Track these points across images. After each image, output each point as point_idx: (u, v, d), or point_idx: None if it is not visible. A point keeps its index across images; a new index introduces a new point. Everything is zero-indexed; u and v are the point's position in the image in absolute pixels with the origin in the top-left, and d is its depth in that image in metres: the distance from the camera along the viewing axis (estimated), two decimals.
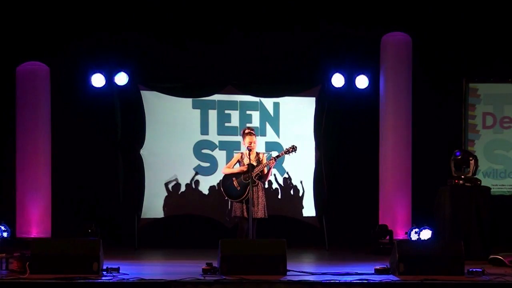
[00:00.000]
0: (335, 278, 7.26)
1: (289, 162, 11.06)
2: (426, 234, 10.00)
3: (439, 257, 7.58)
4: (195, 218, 11.13)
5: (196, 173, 11.10)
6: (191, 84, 11.27)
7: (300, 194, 11.28)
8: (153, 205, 11.07)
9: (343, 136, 11.46)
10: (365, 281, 7.13)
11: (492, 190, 10.10)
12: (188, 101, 11.21)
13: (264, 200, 8.98)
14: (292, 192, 11.28)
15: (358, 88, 11.06)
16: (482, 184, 9.93)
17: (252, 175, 8.70)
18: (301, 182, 11.28)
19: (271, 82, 11.36)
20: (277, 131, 11.29)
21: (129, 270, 7.63)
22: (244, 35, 11.21)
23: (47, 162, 10.72)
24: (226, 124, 11.23)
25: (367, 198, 11.03)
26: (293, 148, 8.99)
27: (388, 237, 10.33)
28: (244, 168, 8.91)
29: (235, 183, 8.99)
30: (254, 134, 8.98)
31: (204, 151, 11.18)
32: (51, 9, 10.85)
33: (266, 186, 10.10)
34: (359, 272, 7.62)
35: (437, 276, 7.28)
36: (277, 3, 11.17)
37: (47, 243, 7.84)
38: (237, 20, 11.18)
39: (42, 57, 10.70)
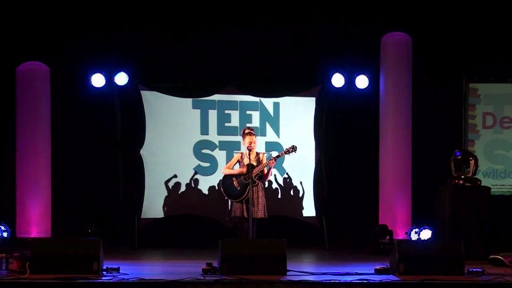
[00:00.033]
0: (335, 278, 7.26)
1: (289, 162, 11.06)
2: (426, 234, 10.00)
3: (439, 257, 7.58)
4: (195, 218, 11.13)
5: (196, 173, 11.10)
6: (191, 84, 11.27)
7: (300, 195, 11.28)
8: (153, 205, 11.07)
9: (343, 136, 11.46)
10: (365, 281, 7.13)
11: (492, 190, 10.10)
12: (188, 101, 11.21)
13: (264, 200, 8.98)
14: (292, 192, 11.28)
15: (358, 88, 11.06)
16: (482, 184, 9.93)
17: (252, 175, 8.70)
18: (300, 182, 11.28)
19: (271, 82, 11.36)
20: (277, 131, 11.29)
21: (129, 270, 7.63)
22: (244, 34, 11.21)
23: (47, 162, 10.72)
24: (226, 124, 11.23)
25: (367, 198, 11.03)
26: (293, 148, 8.99)
27: (388, 237, 10.33)
28: (244, 170, 8.91)
29: (235, 183, 8.99)
30: (254, 134, 8.99)
31: (204, 151, 11.18)
32: (51, 9, 10.85)
33: (266, 185, 10.11)
34: (359, 272, 7.62)
35: (437, 276, 7.28)
36: (277, 3, 11.17)
37: (47, 243, 7.85)
38: (237, 20, 11.18)
39: (42, 57, 10.70)
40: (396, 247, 7.62)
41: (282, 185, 11.23)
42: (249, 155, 8.93)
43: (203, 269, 7.53)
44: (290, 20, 11.21)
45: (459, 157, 9.88)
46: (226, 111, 11.24)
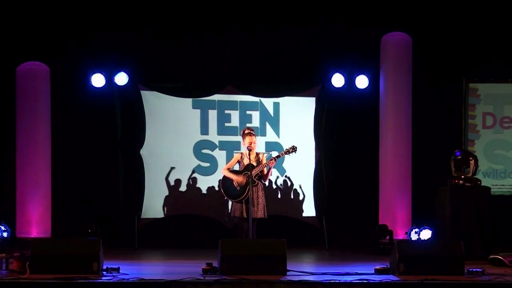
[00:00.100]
0: (335, 278, 7.26)
1: (289, 162, 11.06)
2: (426, 234, 10.00)
3: (439, 257, 7.58)
4: (195, 218, 11.13)
5: (193, 172, 11.09)
6: (191, 84, 11.27)
7: (301, 198, 11.27)
8: (153, 205, 11.07)
9: (343, 136, 11.46)
10: (365, 281, 7.13)
11: (492, 190, 10.10)
12: (188, 101, 11.21)
13: (264, 200, 8.99)
14: (292, 195, 11.27)
15: (358, 88, 11.06)
16: (482, 184, 9.93)
17: (252, 175, 8.70)
18: (300, 186, 11.27)
19: (271, 82, 11.36)
20: (277, 131, 11.29)
21: (129, 270, 7.63)
22: (244, 35, 11.21)
23: (47, 162, 10.72)
24: (226, 124, 11.23)
25: (367, 198, 11.03)
26: (293, 149, 9.00)
27: (388, 237, 10.33)
28: (240, 179, 8.88)
29: (235, 183, 8.99)
30: (254, 135, 8.99)
31: (204, 151, 11.18)
32: (51, 10, 10.85)
33: (267, 184, 10.11)
34: (359, 272, 7.62)
35: (437, 276, 7.28)
36: (277, 3, 11.17)
37: (47, 243, 7.86)
38: (237, 20, 11.18)
39: (42, 57, 10.70)
40: (396, 247, 7.62)
41: (282, 188, 11.23)
42: (249, 155, 8.93)
43: (203, 269, 7.53)
44: (290, 20, 11.21)
45: (459, 157, 9.88)
46: (226, 111, 11.24)
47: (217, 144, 11.19)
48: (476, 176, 9.91)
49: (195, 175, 11.12)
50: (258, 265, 7.47)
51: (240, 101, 11.26)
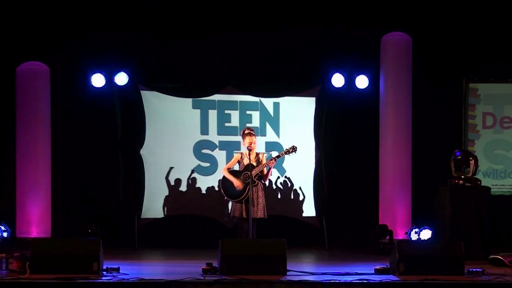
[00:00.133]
0: (335, 278, 7.26)
1: (289, 162, 11.06)
2: (426, 234, 10.00)
3: (439, 257, 7.58)
4: (195, 218, 11.13)
5: (192, 172, 11.10)
6: (191, 84, 11.27)
7: (301, 198, 11.28)
8: (153, 205, 11.07)
9: (343, 136, 11.46)
10: (365, 281, 7.13)
11: (492, 190, 10.10)
12: (188, 101, 11.21)
13: (264, 200, 8.98)
14: (292, 195, 11.27)
15: (358, 88, 11.06)
16: (482, 184, 9.93)
17: (252, 175, 8.70)
18: (300, 188, 11.27)
19: (271, 82, 11.36)
20: (277, 131, 11.29)
21: (129, 270, 7.63)
22: (244, 35, 11.20)
23: (47, 162, 10.72)
24: (226, 124, 11.23)
25: (367, 198, 11.03)
26: (293, 149, 8.99)
27: (388, 237, 10.33)
28: (239, 183, 8.88)
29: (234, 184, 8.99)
30: (254, 135, 8.99)
31: (204, 151, 11.18)
32: (51, 9, 10.85)
33: (267, 184, 10.11)
34: (359, 272, 7.62)
35: (437, 276, 7.28)
36: (277, 3, 11.17)
37: (47, 243, 7.85)
38: (237, 20, 11.17)
39: (42, 57, 10.70)
40: (396, 247, 7.62)
41: (282, 188, 11.23)
42: (249, 155, 8.93)
43: (203, 269, 7.53)
44: (290, 20, 11.20)
45: (459, 157, 9.88)
46: (226, 111, 11.24)
47: (217, 144, 11.19)
48: (476, 176, 9.90)
49: (194, 175, 11.12)
50: (258, 265, 7.47)
51: (240, 101, 11.26)
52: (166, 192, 11.08)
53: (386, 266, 7.72)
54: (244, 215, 8.84)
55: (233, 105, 11.24)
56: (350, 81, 11.02)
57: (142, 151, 11.03)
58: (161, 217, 11.10)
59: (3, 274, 7.35)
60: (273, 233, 9.28)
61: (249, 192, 8.67)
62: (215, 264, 7.61)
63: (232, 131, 11.12)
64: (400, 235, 10.39)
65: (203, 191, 11.15)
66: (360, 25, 11.08)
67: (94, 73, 10.72)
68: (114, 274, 7.39)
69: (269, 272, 7.42)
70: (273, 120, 11.30)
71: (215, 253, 7.73)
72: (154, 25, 11.09)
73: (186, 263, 8.72)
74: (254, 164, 8.86)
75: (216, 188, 10.96)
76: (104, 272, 7.43)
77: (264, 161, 8.95)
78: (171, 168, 11.06)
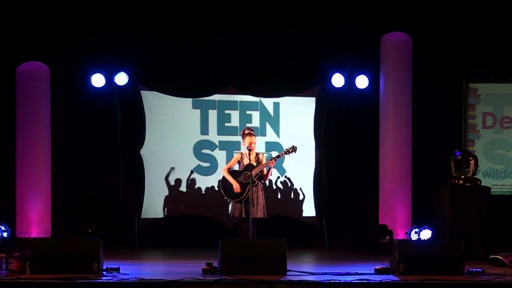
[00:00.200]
0: (335, 278, 7.26)
1: (289, 162, 11.06)
2: (426, 234, 10.01)
3: (439, 257, 7.58)
4: (195, 218, 11.13)
5: (192, 172, 11.10)
6: (191, 84, 11.28)
7: (301, 198, 11.28)
8: (153, 205, 11.07)
9: (343, 136, 11.46)
10: (365, 281, 7.13)
11: (492, 190, 10.10)
12: (188, 101, 11.21)
13: (264, 200, 8.97)
14: (292, 195, 11.27)
15: (358, 88, 11.06)
16: (482, 184, 9.93)
17: (252, 175, 8.70)
18: (300, 188, 11.27)
19: (271, 82, 11.36)
20: (277, 131, 11.29)
21: (129, 270, 7.63)
22: (244, 35, 11.21)
23: (47, 162, 10.72)
24: (226, 124, 11.23)
25: (367, 198, 11.02)
26: (293, 149, 8.99)
27: (388, 237, 10.33)
28: (238, 186, 8.87)
29: (234, 186, 8.98)
30: (254, 135, 8.98)
31: (204, 151, 11.18)
32: (51, 9, 10.85)
33: (267, 184, 10.11)
34: (359, 272, 7.62)
35: (437, 276, 7.28)
36: (277, 3, 11.17)
37: (47, 243, 7.85)
38: (237, 20, 11.18)
39: (42, 57, 10.70)
40: (396, 247, 7.62)
41: (282, 188, 11.23)
42: (249, 155, 8.93)
43: (203, 269, 7.53)
44: (290, 20, 11.20)
45: (459, 157, 9.88)
46: (226, 111, 11.24)
47: (217, 144, 11.19)
48: (476, 176, 9.90)
49: (194, 175, 11.12)
50: (258, 265, 7.47)
51: (240, 101, 11.26)
52: (166, 192, 11.09)
53: (386, 266, 7.72)
54: (244, 215, 8.84)
55: (233, 105, 11.24)
56: (350, 81, 11.02)
57: (142, 151, 11.03)
58: (161, 217, 11.10)
59: (3, 274, 7.35)
60: (273, 233, 9.28)
61: (249, 192, 8.67)
62: (215, 264, 7.60)
63: (232, 131, 11.13)
64: (400, 235, 10.39)
65: (203, 191, 11.15)
66: (360, 25, 11.08)
67: (94, 73, 10.72)
68: (114, 274, 7.39)
69: (269, 272, 7.42)
70: (273, 120, 11.30)
71: (215, 253, 7.73)
72: (154, 25, 11.10)
73: (186, 263, 8.72)
74: (254, 164, 8.86)
75: (216, 188, 10.96)
76: (104, 272, 7.43)
77: (264, 161, 8.95)
78: (171, 168, 11.05)
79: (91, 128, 11.09)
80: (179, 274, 7.29)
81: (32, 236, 10.28)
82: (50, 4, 10.85)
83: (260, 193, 8.93)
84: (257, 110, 11.28)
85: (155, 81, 11.16)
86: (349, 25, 11.12)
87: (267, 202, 9.05)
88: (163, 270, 8.38)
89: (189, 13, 11.16)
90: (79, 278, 7.03)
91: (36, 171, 10.59)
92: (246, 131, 9.00)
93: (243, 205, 8.87)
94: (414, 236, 10.06)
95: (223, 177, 9.15)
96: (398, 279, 7.36)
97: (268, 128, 11.27)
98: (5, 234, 9.97)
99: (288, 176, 11.26)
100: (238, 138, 9.97)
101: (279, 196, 11.22)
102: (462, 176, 9.77)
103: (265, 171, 8.97)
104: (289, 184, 11.25)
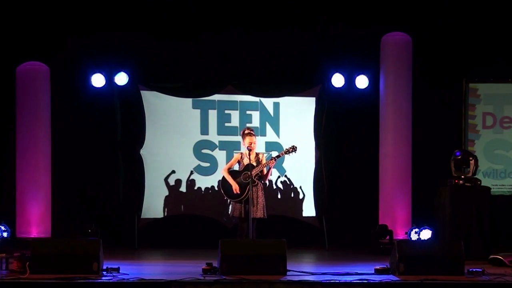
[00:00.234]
0: (335, 278, 7.26)
1: (289, 162, 11.06)
2: (426, 234, 10.00)
3: (439, 257, 7.58)
4: (195, 218, 11.13)
5: (192, 172, 11.10)
6: (191, 84, 11.28)
7: (301, 197, 11.28)
8: (153, 205, 11.07)
9: (343, 136, 11.46)
10: (365, 281, 7.13)
11: (492, 190, 10.10)
12: (188, 101, 11.21)
13: (264, 200, 8.97)
14: (292, 195, 11.27)
15: (358, 88, 11.06)
16: (482, 184, 9.93)
17: (252, 175, 8.70)
18: (300, 187, 11.27)
19: (271, 82, 11.36)
20: (277, 131, 11.29)
21: (129, 270, 7.63)
22: (244, 35, 11.20)
23: (47, 162, 10.72)
24: (226, 124, 11.23)
25: (367, 198, 11.03)
26: (293, 149, 8.99)
27: (388, 237, 10.33)
28: (237, 187, 8.86)
29: (233, 186, 8.98)
30: (254, 135, 8.98)
31: (204, 151, 11.18)
32: (51, 9, 10.85)
33: (267, 184, 10.10)
34: (359, 272, 7.62)
35: (437, 276, 7.28)
36: (277, 3, 11.17)
37: (47, 243, 7.85)
38: (237, 20, 11.17)
39: (42, 57, 10.70)
40: (396, 247, 7.62)
41: (282, 188, 11.23)
42: (249, 155, 8.92)
43: (203, 269, 7.53)
44: (290, 20, 11.21)
45: (459, 157, 9.88)
46: (226, 111, 11.25)
47: (217, 144, 11.19)
48: (476, 176, 9.91)
49: (193, 176, 11.12)
50: (258, 265, 7.47)
51: (240, 101, 11.26)
52: (166, 192, 11.09)
53: (386, 266, 7.72)
54: (244, 215, 8.83)
55: (233, 105, 11.25)
56: (350, 81, 11.03)
57: (142, 151, 11.03)
58: (161, 217, 11.10)
59: (3, 274, 7.35)
60: (273, 233, 9.28)
61: (249, 192, 8.67)
62: (215, 264, 7.60)
63: (232, 131, 11.13)
64: (400, 235, 10.39)
65: (203, 191, 11.15)
66: (360, 25, 11.08)
67: (94, 73, 10.73)
68: (114, 274, 7.39)
69: (269, 272, 7.42)
70: (273, 120, 11.30)
71: (215, 253, 7.73)
72: (154, 25, 11.09)
73: (186, 263, 8.72)
74: (254, 164, 8.85)
75: (216, 188, 10.96)
76: (104, 272, 7.43)
77: (264, 161, 8.95)
78: (172, 171, 11.05)
79: (91, 128, 11.09)
80: (179, 274, 7.29)
81: (32, 236, 10.28)
82: (50, 4, 10.85)
83: (260, 193, 8.93)
84: (257, 110, 11.28)
85: (155, 81, 11.16)
86: (349, 25, 11.12)
87: (267, 202, 9.05)
88: (163, 270, 8.38)
89: (189, 13, 11.16)
90: (79, 278, 7.03)
91: (36, 171, 10.59)
92: (246, 131, 9.00)
93: (243, 205, 8.87)
94: (414, 236, 10.06)
95: (223, 177, 9.14)
96: (398, 279, 7.36)
97: (268, 128, 11.28)
98: (5, 234, 9.97)
99: (288, 176, 11.26)
100: (238, 138, 9.97)
101: (279, 196, 11.23)
102: (462, 176, 9.77)
103: (265, 171, 8.96)
104: (289, 184, 11.25)
